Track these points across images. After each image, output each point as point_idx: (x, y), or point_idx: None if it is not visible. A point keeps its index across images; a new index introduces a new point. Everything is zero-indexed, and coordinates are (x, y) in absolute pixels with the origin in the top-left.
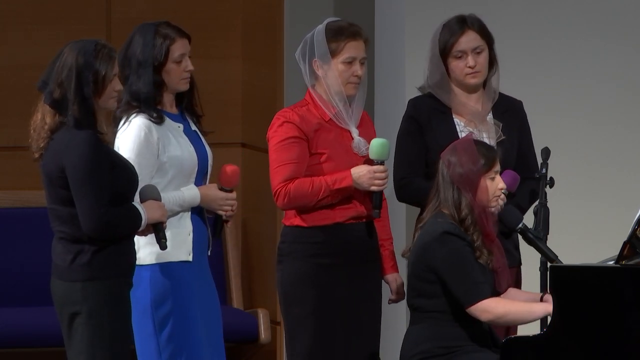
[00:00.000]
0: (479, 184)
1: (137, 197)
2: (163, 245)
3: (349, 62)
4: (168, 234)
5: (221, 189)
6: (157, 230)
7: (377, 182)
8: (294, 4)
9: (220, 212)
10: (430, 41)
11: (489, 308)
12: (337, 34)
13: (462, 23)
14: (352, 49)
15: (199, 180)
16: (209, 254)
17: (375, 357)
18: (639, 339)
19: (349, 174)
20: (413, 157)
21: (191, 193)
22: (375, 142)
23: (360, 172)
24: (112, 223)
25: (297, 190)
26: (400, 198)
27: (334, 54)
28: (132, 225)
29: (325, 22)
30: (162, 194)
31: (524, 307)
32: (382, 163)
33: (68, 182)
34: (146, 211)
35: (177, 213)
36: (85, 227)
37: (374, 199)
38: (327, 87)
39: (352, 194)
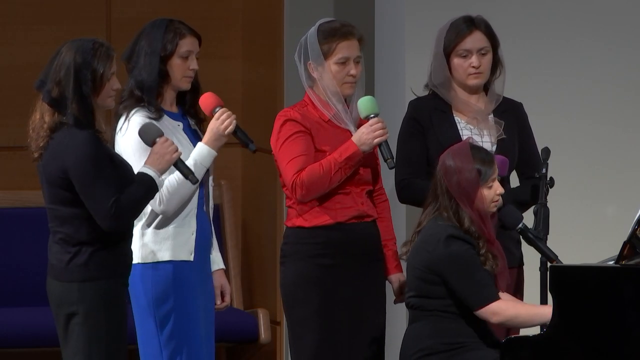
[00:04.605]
0: (476, 196)
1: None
2: (193, 179)
3: (343, 63)
4: (172, 231)
5: (213, 116)
6: (179, 168)
7: (378, 132)
8: (294, 4)
9: (227, 131)
10: (435, 39)
11: (500, 310)
12: (329, 36)
13: (470, 23)
14: (345, 49)
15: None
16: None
17: (380, 357)
18: (639, 339)
19: (351, 141)
20: (414, 157)
21: (197, 152)
22: (361, 101)
23: (359, 134)
24: (128, 208)
25: (309, 176)
26: (402, 199)
27: (326, 55)
28: (147, 193)
29: (318, 23)
30: (173, 174)
31: (533, 309)
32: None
33: (70, 183)
34: (153, 167)
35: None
36: (104, 226)
37: (383, 151)
38: (324, 88)
39: (352, 193)
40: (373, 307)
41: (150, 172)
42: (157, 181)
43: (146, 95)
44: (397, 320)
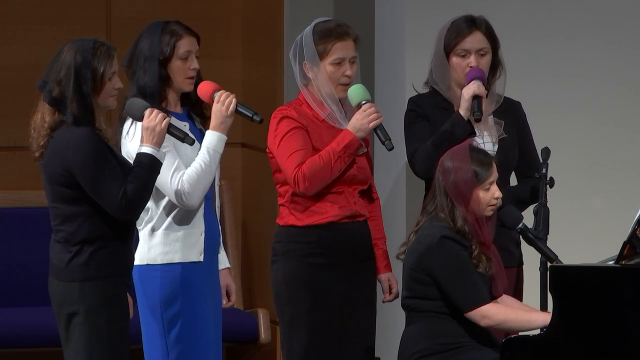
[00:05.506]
0: (472, 197)
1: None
2: (189, 141)
3: (338, 64)
4: (182, 233)
5: (213, 101)
6: (172, 134)
7: (372, 116)
8: (294, 4)
9: (230, 111)
10: (436, 37)
11: (489, 314)
12: (324, 36)
13: (471, 23)
14: (340, 50)
15: None
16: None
17: (371, 356)
18: (639, 339)
19: (347, 130)
20: (420, 134)
21: (207, 141)
22: (351, 89)
23: (354, 121)
24: (138, 195)
25: (310, 168)
26: (417, 169)
27: (322, 56)
28: (151, 172)
29: (313, 23)
30: (190, 167)
31: (523, 315)
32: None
33: (72, 181)
34: (149, 144)
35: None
36: (118, 217)
37: (380, 134)
38: (318, 88)
39: (345, 192)
40: (364, 307)
41: (148, 149)
42: (157, 156)
43: (149, 101)
44: (396, 321)
